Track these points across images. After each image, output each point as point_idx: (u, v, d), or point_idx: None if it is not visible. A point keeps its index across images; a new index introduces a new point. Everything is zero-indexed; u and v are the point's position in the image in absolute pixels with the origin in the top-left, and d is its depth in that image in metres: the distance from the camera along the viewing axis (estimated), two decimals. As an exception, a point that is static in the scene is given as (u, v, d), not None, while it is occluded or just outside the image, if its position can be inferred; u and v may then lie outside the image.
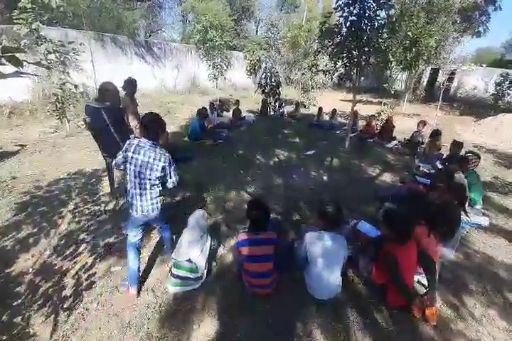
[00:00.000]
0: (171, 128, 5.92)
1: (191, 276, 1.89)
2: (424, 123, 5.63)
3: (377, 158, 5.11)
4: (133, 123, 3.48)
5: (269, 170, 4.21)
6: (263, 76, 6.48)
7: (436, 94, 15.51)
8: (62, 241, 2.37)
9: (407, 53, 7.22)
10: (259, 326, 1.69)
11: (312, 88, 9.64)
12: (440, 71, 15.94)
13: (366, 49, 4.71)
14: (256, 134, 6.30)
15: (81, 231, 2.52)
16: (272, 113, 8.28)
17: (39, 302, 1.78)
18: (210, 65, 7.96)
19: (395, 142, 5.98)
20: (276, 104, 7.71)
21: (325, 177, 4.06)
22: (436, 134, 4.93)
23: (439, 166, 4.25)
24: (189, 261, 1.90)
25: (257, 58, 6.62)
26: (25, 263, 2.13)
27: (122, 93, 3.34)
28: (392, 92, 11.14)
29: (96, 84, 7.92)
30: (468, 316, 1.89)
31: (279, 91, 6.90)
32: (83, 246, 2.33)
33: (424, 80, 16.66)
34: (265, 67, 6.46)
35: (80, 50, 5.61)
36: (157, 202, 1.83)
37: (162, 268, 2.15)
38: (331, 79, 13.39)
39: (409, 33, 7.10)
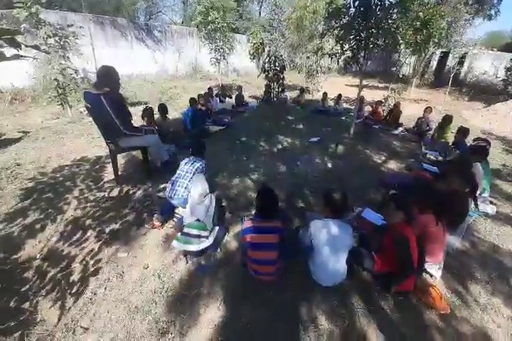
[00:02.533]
0: (173, 115, 5.73)
1: (202, 234, 1.98)
2: (430, 109, 5.36)
3: (383, 145, 4.93)
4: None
5: (273, 156, 4.09)
6: (266, 60, 6.13)
7: (445, 78, 14.83)
8: (69, 228, 2.35)
9: (417, 35, 6.72)
10: (264, 312, 1.67)
11: (317, 72, 9.18)
12: (450, 55, 15.12)
13: (375, 30, 4.35)
14: (259, 120, 6.09)
15: (87, 217, 2.48)
16: (275, 99, 7.96)
17: (47, 288, 1.77)
18: (212, 49, 7.54)
19: (401, 129, 5.75)
20: (280, 89, 7.37)
21: (329, 165, 3.93)
22: (446, 120, 4.68)
23: (447, 155, 4.08)
24: (198, 220, 1.98)
25: (261, 41, 6.20)
26: (32, 249, 2.11)
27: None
28: (400, 77, 10.60)
29: (96, 68, 7.63)
30: (473, 304, 1.85)
31: (283, 76, 6.56)
32: (89, 232, 2.30)
33: (433, 64, 15.82)
34: (269, 51, 6.09)
35: (79, 33, 5.32)
36: None
37: (167, 253, 2.12)
38: (337, 63, 12.75)
39: (421, 14, 6.56)
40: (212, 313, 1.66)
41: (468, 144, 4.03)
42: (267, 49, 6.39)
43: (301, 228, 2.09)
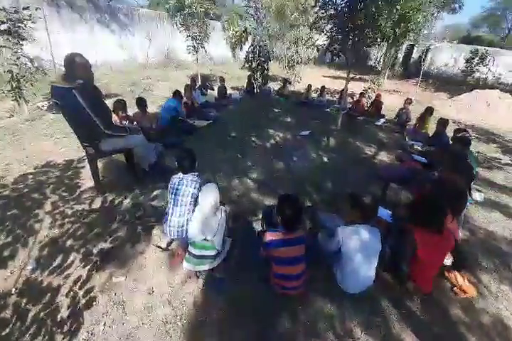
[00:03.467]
0: (152, 109, 5.17)
1: (209, 254, 1.71)
2: (410, 100, 5.51)
3: (370, 136, 4.96)
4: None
5: (267, 152, 3.87)
6: (250, 49, 5.74)
7: (412, 70, 15.56)
8: (45, 252, 1.93)
9: (396, 28, 6.78)
10: (295, 328, 1.52)
11: (297, 63, 8.97)
12: (415, 47, 15.84)
13: (362, 22, 4.23)
14: (245, 113, 5.78)
15: (66, 237, 2.07)
16: (257, 90, 7.64)
17: (31, 331, 1.42)
18: (188, 36, 6.88)
19: (383, 120, 5.85)
20: (263, 80, 7.06)
21: (325, 158, 3.83)
22: (428, 111, 4.82)
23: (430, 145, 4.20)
24: (206, 240, 1.70)
25: (243, 29, 5.77)
26: (5, 282, 1.69)
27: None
28: (374, 68, 10.83)
29: (53, 56, 6.59)
30: (488, 293, 1.88)
31: (268, 67, 6.25)
32: (72, 255, 1.91)
33: (400, 56, 16.47)
34: (253, 40, 5.69)
35: (35, 16, 4.43)
36: None
37: (174, 272, 1.84)
38: (325, 55, 12.44)
39: (398, 7, 6.59)
40: (238, 338, 1.46)
41: (449, 134, 4.21)
42: (251, 38, 5.97)
43: (319, 231, 1.94)
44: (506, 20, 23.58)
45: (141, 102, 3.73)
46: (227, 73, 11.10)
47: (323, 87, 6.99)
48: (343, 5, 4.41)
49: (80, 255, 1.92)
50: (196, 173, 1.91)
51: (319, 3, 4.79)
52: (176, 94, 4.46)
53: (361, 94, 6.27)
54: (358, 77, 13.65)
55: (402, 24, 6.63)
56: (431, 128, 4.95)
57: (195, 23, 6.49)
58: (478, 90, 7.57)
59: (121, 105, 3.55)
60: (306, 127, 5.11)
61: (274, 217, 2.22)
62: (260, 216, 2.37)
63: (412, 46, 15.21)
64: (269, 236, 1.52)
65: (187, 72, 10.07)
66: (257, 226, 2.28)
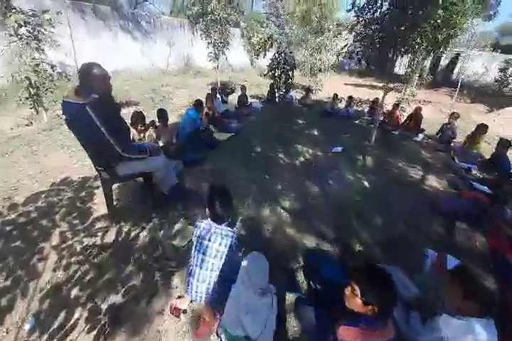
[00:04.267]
0: (172, 119, 4.89)
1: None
2: (457, 115, 4.90)
3: (412, 155, 4.40)
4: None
5: (297, 172, 3.42)
6: (275, 57, 5.40)
7: (439, 79, 14.70)
8: (46, 304, 1.58)
9: (438, 34, 6.21)
10: None
11: (320, 71, 8.55)
12: (443, 54, 14.98)
13: (411, 28, 3.75)
14: (268, 125, 5.38)
15: (72, 283, 1.71)
16: (279, 99, 7.26)
17: None
18: (209, 43, 6.65)
19: (422, 135, 5.26)
20: (285, 89, 6.68)
21: (364, 181, 3.33)
22: (480, 129, 4.22)
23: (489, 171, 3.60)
24: (247, 338, 1.20)
25: (268, 36, 5.46)
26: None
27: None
28: (404, 77, 10.18)
29: (77, 62, 6.55)
30: None
31: (292, 76, 5.88)
32: (78, 311, 1.55)
33: (427, 64, 15.66)
34: (278, 47, 5.36)
35: (56, 21, 4.31)
36: None
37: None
38: (360, 63, 12.02)
39: (440, 11, 6.04)
40: None
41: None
42: (276, 45, 5.64)
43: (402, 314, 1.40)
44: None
45: (162, 114, 3.42)
46: (246, 81, 10.86)
47: (350, 97, 6.50)
48: (387, 9, 3.97)
49: (86, 312, 1.54)
50: (227, 224, 1.49)
51: (356, 8, 4.38)
52: (197, 104, 4.11)
53: (396, 105, 5.72)
54: (391, 86, 13.12)
55: (445, 29, 6.08)
56: (482, 148, 4.35)
57: (216, 29, 6.25)
58: None
59: (139, 118, 3.26)
60: (337, 142, 4.63)
61: (320, 266, 1.78)
62: (301, 262, 1.93)
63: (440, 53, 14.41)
64: (347, 337, 1.04)
65: (206, 79, 9.90)
66: (300, 276, 1.84)
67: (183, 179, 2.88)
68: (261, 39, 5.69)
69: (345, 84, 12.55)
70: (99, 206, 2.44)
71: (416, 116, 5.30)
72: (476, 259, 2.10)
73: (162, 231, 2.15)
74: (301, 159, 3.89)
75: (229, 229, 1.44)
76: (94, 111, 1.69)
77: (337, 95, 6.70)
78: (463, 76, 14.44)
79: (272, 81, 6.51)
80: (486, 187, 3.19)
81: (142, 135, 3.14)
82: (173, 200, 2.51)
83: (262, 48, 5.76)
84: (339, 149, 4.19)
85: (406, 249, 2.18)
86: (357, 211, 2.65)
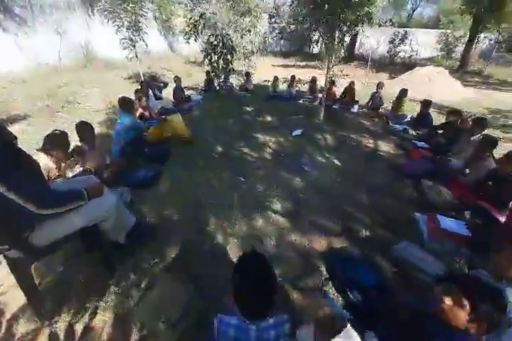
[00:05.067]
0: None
1: None
2: (382, 84, 5.29)
3: (356, 126, 4.56)
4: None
5: (270, 166, 3.06)
6: (211, 40, 4.57)
7: (345, 55, 16.04)
8: None
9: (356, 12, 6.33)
10: None
11: (252, 53, 8.00)
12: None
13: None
14: (216, 118, 4.73)
15: None
16: (219, 87, 6.53)
17: None
18: (120, 26, 5.20)
19: (356, 106, 5.56)
20: (223, 76, 5.99)
21: (335, 161, 3.25)
22: (403, 94, 4.64)
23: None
24: None
25: (200, 15, 4.48)
26: None
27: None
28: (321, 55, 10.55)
29: None
30: None
31: (231, 60, 5.21)
32: None
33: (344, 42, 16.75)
34: (214, 28, 4.49)
35: None
36: None
37: None
38: (265, 43, 11.49)
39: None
40: None
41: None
42: (208, 25, 4.72)
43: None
44: (410, 2, 26.02)
45: (85, 129, 2.36)
46: (169, 70, 9.45)
47: (293, 78, 6.29)
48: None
49: None
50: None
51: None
52: (126, 104, 2.89)
53: (332, 82, 5.81)
54: (304, 64, 13.46)
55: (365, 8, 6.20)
56: (405, 109, 4.85)
57: (128, 9, 4.86)
58: (419, 68, 7.96)
59: (62, 141, 2.10)
60: (291, 125, 4.44)
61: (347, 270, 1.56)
62: (325, 273, 1.66)
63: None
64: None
65: (117, 72, 8.08)
66: (331, 290, 1.57)
67: (134, 206, 2.16)
68: (190, 19, 4.68)
69: (273, 65, 12.39)
70: (12, 295, 1.45)
71: (350, 90, 5.51)
72: (450, 210, 2.26)
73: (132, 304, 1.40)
74: (267, 150, 3.53)
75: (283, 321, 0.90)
76: None
77: (277, 77, 6.40)
78: (364, 50, 16.17)
79: (208, 68, 5.68)
80: (423, 143, 3.54)
81: (62, 164, 2.12)
82: (133, 248, 1.73)
83: (193, 30, 4.78)
84: (299, 132, 3.99)
85: (396, 218, 2.18)
86: (342, 193, 2.52)
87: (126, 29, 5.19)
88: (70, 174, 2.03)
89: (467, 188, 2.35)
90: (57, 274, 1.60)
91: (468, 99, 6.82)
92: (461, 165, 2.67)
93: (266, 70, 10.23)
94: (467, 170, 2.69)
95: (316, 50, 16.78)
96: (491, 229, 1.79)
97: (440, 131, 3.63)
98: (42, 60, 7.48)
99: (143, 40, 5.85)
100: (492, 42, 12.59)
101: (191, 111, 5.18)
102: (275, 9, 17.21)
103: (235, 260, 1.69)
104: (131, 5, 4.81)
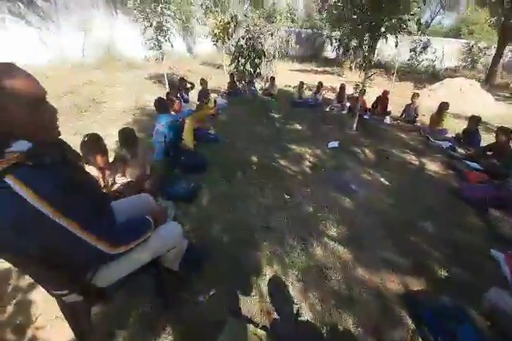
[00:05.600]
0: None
1: None
2: (418, 95, 5.06)
3: (395, 140, 4.31)
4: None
5: (313, 182, 2.79)
6: (241, 43, 4.43)
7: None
8: None
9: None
10: None
11: (274, 58, 7.86)
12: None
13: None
14: (245, 124, 4.57)
15: None
16: (243, 91, 6.38)
17: None
18: (148, 26, 5.10)
19: (388, 117, 5.33)
20: (248, 80, 5.83)
21: (381, 179, 3.00)
22: (444, 107, 4.39)
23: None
24: None
25: (231, 18, 4.36)
26: None
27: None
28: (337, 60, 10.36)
29: None
30: None
31: (259, 64, 5.05)
32: None
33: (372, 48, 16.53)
34: (246, 31, 4.36)
35: None
36: None
37: None
38: (341, 50, 11.18)
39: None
40: None
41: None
42: (242, 28, 4.60)
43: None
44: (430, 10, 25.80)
45: (128, 136, 2.18)
46: (191, 71, 9.37)
47: (320, 84, 6.09)
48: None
49: None
50: None
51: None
52: (163, 105, 2.77)
53: (362, 91, 5.58)
54: (321, 69, 13.27)
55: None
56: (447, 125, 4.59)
57: (158, 9, 4.75)
58: (451, 79, 7.70)
59: (98, 145, 1.93)
60: (325, 135, 4.24)
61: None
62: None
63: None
64: None
65: (139, 72, 8.01)
66: None
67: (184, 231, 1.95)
68: (220, 21, 4.55)
69: (290, 70, 12.25)
70: (54, 328, 1.27)
71: (383, 100, 5.30)
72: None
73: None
74: (305, 163, 3.32)
75: None
76: (35, 186, 0.68)
77: (303, 83, 6.22)
78: (382, 58, 15.93)
79: (233, 70, 5.53)
80: (475, 164, 3.28)
81: (106, 172, 1.94)
82: (188, 275, 1.54)
83: (224, 33, 4.64)
84: (336, 144, 3.77)
85: (468, 254, 1.93)
86: (401, 219, 2.29)
87: (155, 29, 5.09)
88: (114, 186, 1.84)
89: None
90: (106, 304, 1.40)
91: (501, 115, 6.52)
92: None
93: (284, 75, 10.06)
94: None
95: (332, 55, 16.71)
96: None
97: (489, 152, 3.37)
98: (65, 57, 7.44)
99: (169, 41, 5.75)
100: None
101: (217, 115, 5.01)
102: (290, 14, 17.17)
103: (296, 300, 1.47)
104: (161, 5, 4.70)
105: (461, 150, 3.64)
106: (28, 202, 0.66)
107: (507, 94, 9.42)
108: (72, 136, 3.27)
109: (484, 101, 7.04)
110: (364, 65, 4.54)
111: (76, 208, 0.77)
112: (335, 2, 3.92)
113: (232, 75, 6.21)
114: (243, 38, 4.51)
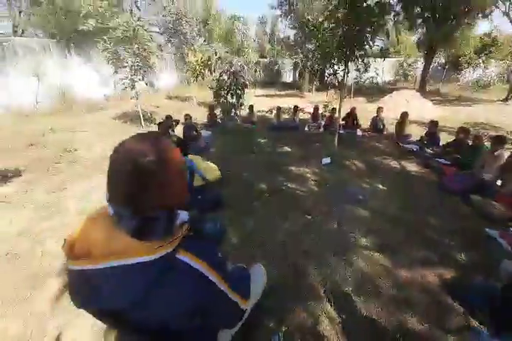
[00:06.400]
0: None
1: None
2: (382, 109, 5.99)
3: (372, 149, 4.99)
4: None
5: (327, 199, 3.05)
6: (224, 77, 4.86)
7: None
8: None
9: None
10: None
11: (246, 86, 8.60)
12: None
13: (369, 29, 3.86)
14: (237, 153, 4.80)
15: None
16: (223, 120, 6.76)
17: None
18: (122, 66, 5.30)
19: (359, 130, 6.10)
20: (232, 110, 6.26)
21: (380, 186, 3.42)
22: (405, 116, 5.28)
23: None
24: None
25: (214, 53, 4.81)
26: None
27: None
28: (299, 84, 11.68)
29: None
30: None
31: (242, 95, 5.51)
32: None
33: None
34: (230, 66, 4.82)
35: None
36: None
37: None
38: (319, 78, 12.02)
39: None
40: None
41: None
42: (222, 63, 5.07)
43: None
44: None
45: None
46: (160, 107, 9.60)
47: (296, 107, 6.78)
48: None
49: None
50: None
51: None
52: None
53: (333, 109, 6.38)
54: (284, 93, 14.66)
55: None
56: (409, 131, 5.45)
57: (134, 49, 5.00)
58: (398, 91, 9.21)
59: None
60: (314, 153, 4.69)
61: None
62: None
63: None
64: None
65: (103, 113, 7.99)
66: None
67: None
68: (201, 58, 4.97)
69: (256, 96, 13.28)
70: None
71: (352, 115, 6.10)
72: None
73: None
74: (310, 181, 3.62)
75: None
76: (207, 258, 0.67)
77: (280, 108, 6.87)
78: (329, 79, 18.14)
79: (215, 102, 5.91)
80: (443, 160, 3.96)
81: None
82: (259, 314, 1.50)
83: (202, 69, 5.06)
84: (329, 160, 4.20)
85: (473, 238, 2.31)
86: (412, 219, 2.64)
87: (129, 69, 5.31)
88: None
89: (510, 198, 2.64)
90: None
91: (442, 116, 7.91)
92: (492, 178, 3.02)
93: (253, 101, 10.92)
94: (498, 182, 3.05)
95: (289, 79, 18.69)
96: None
97: (448, 149, 4.11)
98: (18, 105, 7.16)
99: (143, 80, 6.01)
100: (436, 64, 15.24)
101: (206, 148, 5.17)
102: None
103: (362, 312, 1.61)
104: (136, 45, 4.98)
105: (429, 150, 4.35)
106: (205, 275, 0.63)
107: (440, 98, 11.49)
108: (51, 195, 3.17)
109: (425, 107, 8.50)
110: (343, 87, 5.18)
111: (227, 271, 0.77)
112: (319, 38, 4.49)
113: (211, 107, 6.60)
114: (226, 72, 4.98)
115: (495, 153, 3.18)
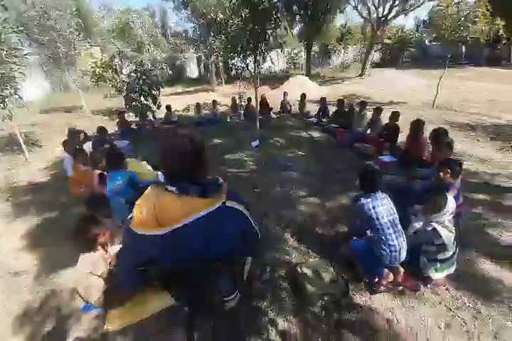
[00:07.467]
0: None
1: None
2: (287, 93, 7.15)
3: (288, 127, 6.03)
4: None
5: (270, 173, 3.76)
6: (132, 78, 4.47)
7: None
8: None
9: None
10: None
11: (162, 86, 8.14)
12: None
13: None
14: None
15: None
16: (136, 127, 6.29)
17: None
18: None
19: (272, 112, 7.08)
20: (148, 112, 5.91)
21: (301, 153, 4.38)
22: (304, 97, 6.58)
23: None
24: None
25: (118, 52, 4.21)
26: None
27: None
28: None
29: None
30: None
31: (158, 95, 5.25)
32: None
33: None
34: (136, 65, 4.40)
35: None
36: None
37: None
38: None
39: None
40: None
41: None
42: (128, 64, 4.60)
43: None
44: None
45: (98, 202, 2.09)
46: (34, 125, 7.54)
47: (214, 102, 7.07)
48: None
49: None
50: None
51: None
52: (116, 160, 2.47)
53: (249, 98, 7.05)
54: (193, 89, 14.49)
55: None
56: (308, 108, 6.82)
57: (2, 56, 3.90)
58: (293, 77, 10.94)
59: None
60: (245, 138, 5.29)
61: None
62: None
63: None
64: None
65: None
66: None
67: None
68: (101, 60, 4.37)
69: (171, 93, 12.70)
70: None
71: (264, 101, 6.97)
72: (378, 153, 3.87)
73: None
74: (250, 163, 4.20)
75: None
76: (241, 202, 1.01)
77: (199, 104, 7.02)
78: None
79: (126, 108, 5.48)
80: (333, 124, 5.35)
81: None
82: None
83: (104, 71, 4.46)
84: (257, 143, 4.87)
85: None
86: (324, 170, 3.65)
87: None
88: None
89: (376, 140, 4.06)
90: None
91: (326, 94, 10.07)
92: (363, 130, 4.47)
93: (169, 100, 10.45)
94: (368, 131, 4.50)
95: (195, 74, 18.50)
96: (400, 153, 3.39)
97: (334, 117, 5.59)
98: None
99: (16, 94, 4.88)
100: (313, 53, 18.62)
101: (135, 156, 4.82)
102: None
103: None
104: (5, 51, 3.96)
105: (323, 120, 5.72)
106: (244, 213, 0.97)
107: (321, 80, 14.32)
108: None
109: (314, 87, 10.56)
110: (255, 79, 5.74)
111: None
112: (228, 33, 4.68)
113: (121, 114, 6.04)
114: (136, 72, 4.65)
115: (361, 113, 4.64)
